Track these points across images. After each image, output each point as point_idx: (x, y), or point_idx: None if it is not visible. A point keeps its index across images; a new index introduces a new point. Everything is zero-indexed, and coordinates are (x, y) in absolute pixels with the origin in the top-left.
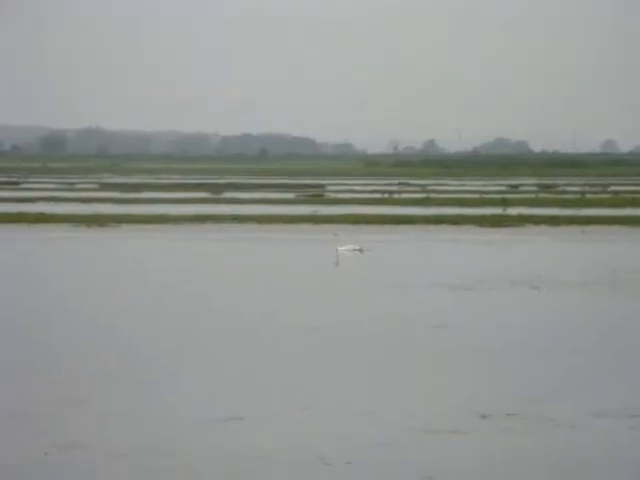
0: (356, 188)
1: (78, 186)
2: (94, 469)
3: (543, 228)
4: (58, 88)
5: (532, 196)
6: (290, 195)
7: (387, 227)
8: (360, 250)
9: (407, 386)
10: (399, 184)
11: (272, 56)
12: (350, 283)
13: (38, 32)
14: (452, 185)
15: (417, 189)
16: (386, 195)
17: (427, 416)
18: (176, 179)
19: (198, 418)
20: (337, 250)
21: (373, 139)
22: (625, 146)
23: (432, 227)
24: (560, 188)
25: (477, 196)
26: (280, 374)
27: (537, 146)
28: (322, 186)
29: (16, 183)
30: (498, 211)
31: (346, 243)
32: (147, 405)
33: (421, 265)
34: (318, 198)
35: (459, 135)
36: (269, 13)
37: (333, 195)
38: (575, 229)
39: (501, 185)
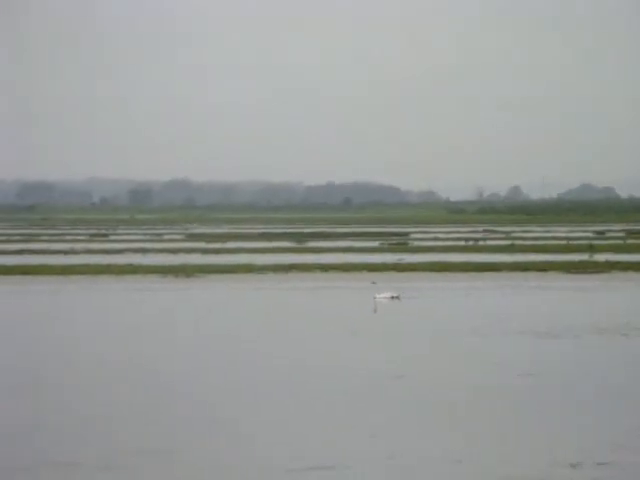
0: (440, 236)
1: (165, 237)
2: None
3: (631, 274)
4: (145, 141)
5: (619, 242)
6: (374, 243)
7: (472, 275)
8: (398, 297)
9: (495, 434)
10: (483, 231)
11: (355, 106)
12: (415, 330)
13: (127, 87)
14: (537, 232)
15: (502, 236)
16: (470, 242)
17: (516, 465)
18: (261, 229)
19: (289, 467)
20: (375, 297)
21: (457, 186)
22: None
23: (517, 274)
24: None
25: (563, 243)
26: (368, 422)
27: (624, 192)
28: (406, 234)
29: (105, 235)
30: (585, 258)
31: (384, 290)
32: (237, 455)
33: (506, 312)
34: (402, 246)
35: (544, 181)
36: (353, 72)
37: (417, 243)
38: None
39: (587, 231)
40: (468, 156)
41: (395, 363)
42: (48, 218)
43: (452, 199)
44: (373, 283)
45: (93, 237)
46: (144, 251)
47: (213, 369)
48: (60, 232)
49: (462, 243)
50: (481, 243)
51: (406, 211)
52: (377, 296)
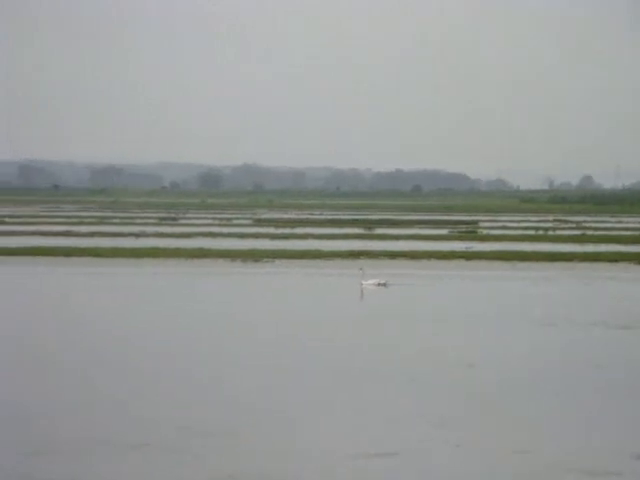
0: (510, 225)
1: (234, 222)
2: None
3: None
4: (215, 126)
5: None
6: (443, 231)
7: (541, 264)
8: (384, 284)
9: (563, 425)
10: (554, 221)
11: (424, 94)
12: (479, 318)
13: (198, 73)
14: (609, 222)
15: (572, 226)
16: (541, 232)
17: (581, 456)
18: (329, 215)
19: (352, 454)
20: (362, 284)
21: (528, 175)
22: None
23: (588, 264)
24: None
25: (635, 233)
26: (438, 411)
27: None
28: (475, 222)
29: (175, 219)
30: None
31: (371, 277)
32: (300, 440)
33: (575, 302)
34: (471, 234)
35: (617, 171)
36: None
37: (486, 231)
38: None
39: None
40: (539, 145)
41: (463, 352)
42: (119, 201)
43: (522, 188)
44: (360, 269)
45: (163, 221)
46: (213, 235)
47: (281, 353)
48: (131, 215)
49: (532, 232)
50: (551, 233)
51: (475, 199)
52: (364, 283)
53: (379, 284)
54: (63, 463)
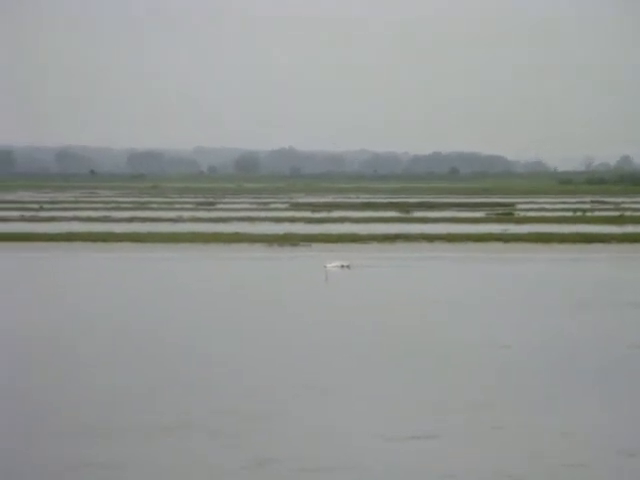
0: (547, 206)
1: (271, 206)
2: None
3: None
4: (252, 110)
5: None
6: (480, 214)
7: (579, 246)
8: (348, 266)
9: (605, 407)
10: (592, 202)
11: (461, 76)
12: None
13: (232, 56)
14: None
15: (610, 207)
16: (579, 213)
17: (625, 438)
18: (366, 198)
19: (389, 436)
20: (325, 266)
21: (565, 156)
22: None
23: (626, 246)
24: None
25: None
26: (477, 392)
27: None
28: (512, 204)
29: (212, 203)
30: None
31: (334, 260)
32: (336, 423)
33: (615, 284)
34: (508, 217)
35: None
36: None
37: (523, 214)
38: None
39: None
40: (577, 126)
41: (499, 333)
42: (157, 186)
43: (560, 169)
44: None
45: (200, 205)
46: (250, 220)
47: (316, 337)
48: (168, 200)
49: (570, 214)
50: (589, 214)
51: (513, 181)
52: (327, 265)
53: (343, 266)
54: (101, 446)
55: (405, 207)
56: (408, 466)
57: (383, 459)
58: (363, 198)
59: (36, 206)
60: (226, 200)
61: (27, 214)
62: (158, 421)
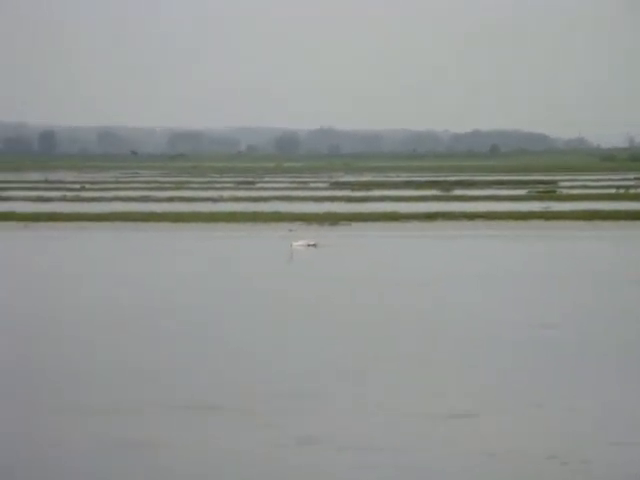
0: (590, 184)
1: (310, 185)
2: (329, 463)
3: None
4: (291, 89)
5: None
6: (521, 192)
7: (622, 223)
8: (314, 245)
9: None
10: (635, 179)
11: (504, 53)
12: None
13: (270, 36)
14: None
15: None
16: (622, 190)
17: None
18: (406, 177)
19: (430, 413)
20: (291, 245)
21: (608, 133)
22: None
23: None
24: None
25: None
26: (517, 372)
27: None
28: (554, 182)
29: (252, 183)
30: None
31: (301, 238)
32: (379, 401)
33: None
34: (550, 194)
35: None
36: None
37: (566, 191)
38: None
39: None
40: (619, 102)
41: (545, 312)
42: (197, 166)
43: (603, 146)
44: (290, 230)
45: (240, 185)
46: (290, 199)
47: (362, 318)
48: (208, 180)
49: (612, 191)
50: (632, 191)
51: (554, 159)
52: (294, 244)
53: (309, 245)
54: (141, 424)
55: (445, 185)
56: (448, 445)
57: (421, 437)
58: (403, 177)
59: (78, 186)
60: (266, 179)
61: (69, 194)
62: (197, 400)
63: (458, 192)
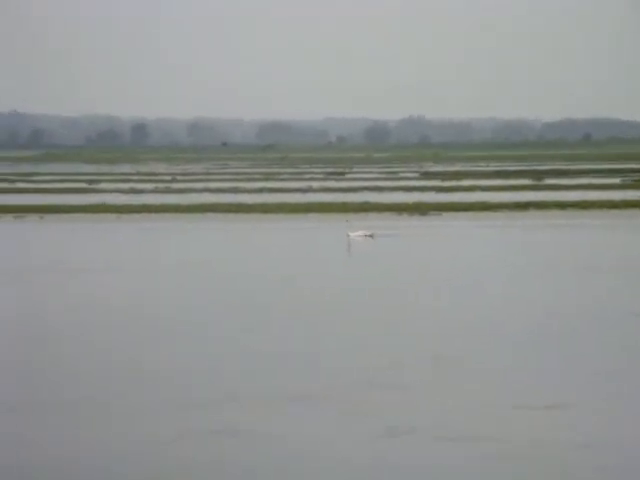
0: None
1: (400, 175)
2: (423, 454)
3: None
4: (380, 79)
5: None
6: (615, 180)
7: None
8: (371, 236)
9: None
10: None
11: (591, 39)
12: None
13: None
14: None
15: None
16: None
17: None
18: (496, 166)
19: (516, 404)
20: (348, 235)
21: None
22: None
23: None
24: None
25: None
26: (610, 362)
27: None
28: None
29: (341, 173)
30: None
31: (358, 229)
32: (463, 392)
33: None
34: None
35: None
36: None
37: None
38: None
39: None
40: None
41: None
42: (286, 157)
43: None
44: (347, 221)
45: (330, 175)
46: (379, 189)
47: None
48: (298, 171)
49: None
50: None
51: None
52: (350, 234)
53: (366, 235)
54: (223, 415)
55: (537, 175)
56: (542, 436)
57: (515, 428)
58: (493, 166)
59: (169, 178)
60: (355, 170)
61: (160, 186)
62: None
63: (550, 181)
